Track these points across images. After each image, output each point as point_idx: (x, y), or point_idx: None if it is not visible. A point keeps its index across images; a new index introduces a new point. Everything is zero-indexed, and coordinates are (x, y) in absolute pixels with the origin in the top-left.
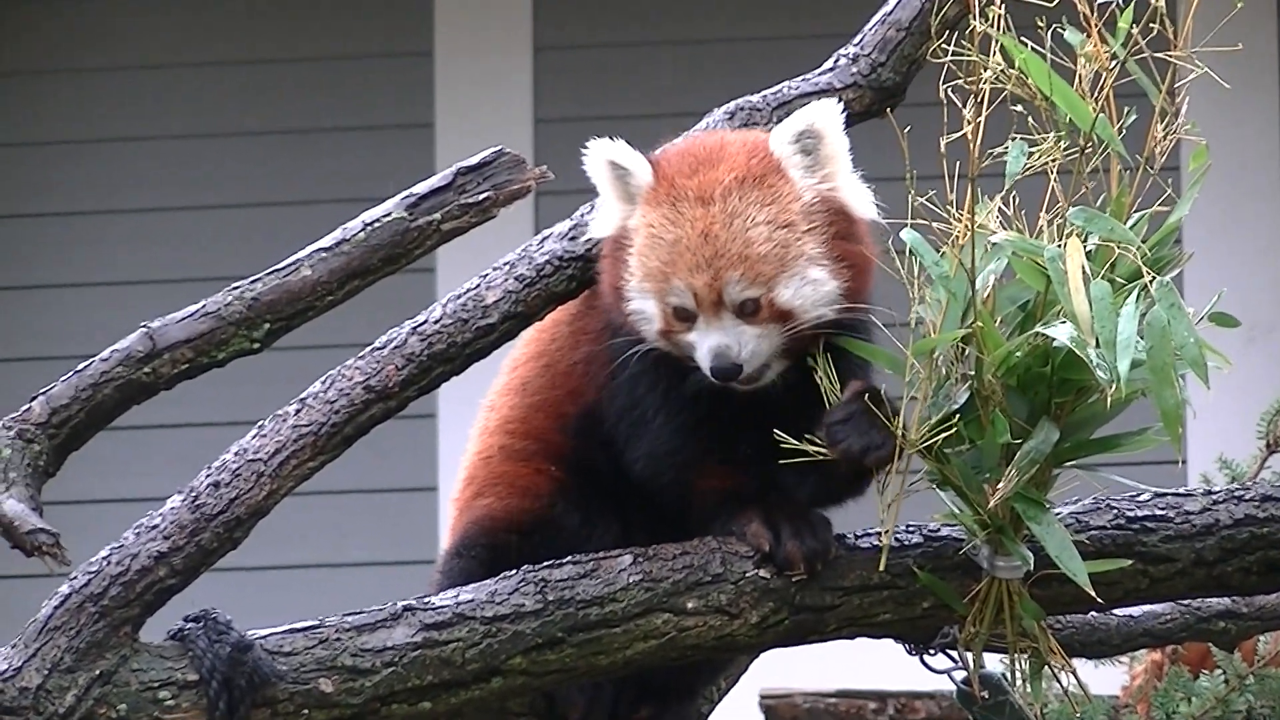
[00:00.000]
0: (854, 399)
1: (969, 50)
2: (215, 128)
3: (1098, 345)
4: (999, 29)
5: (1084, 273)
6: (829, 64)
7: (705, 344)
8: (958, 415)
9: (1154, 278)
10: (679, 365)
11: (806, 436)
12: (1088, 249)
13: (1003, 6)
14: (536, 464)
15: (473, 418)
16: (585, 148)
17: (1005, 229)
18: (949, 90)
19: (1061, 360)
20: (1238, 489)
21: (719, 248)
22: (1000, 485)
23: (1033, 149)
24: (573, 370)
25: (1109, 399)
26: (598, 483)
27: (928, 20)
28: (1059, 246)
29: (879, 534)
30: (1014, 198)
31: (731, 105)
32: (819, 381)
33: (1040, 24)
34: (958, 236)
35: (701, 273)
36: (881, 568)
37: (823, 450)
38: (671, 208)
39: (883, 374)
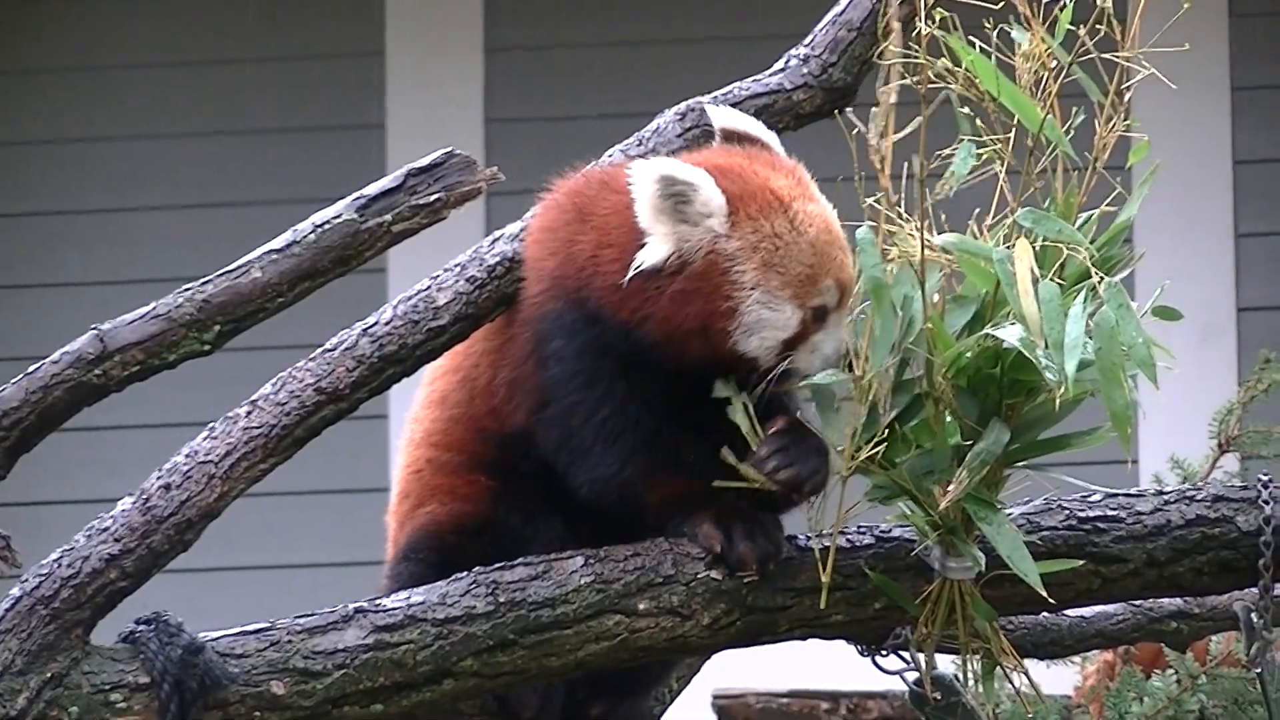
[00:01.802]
0: (782, 432)
1: (916, 52)
2: (165, 129)
3: (1046, 347)
4: (947, 30)
5: (1033, 274)
6: (780, 64)
7: (833, 340)
8: (899, 423)
9: (1102, 278)
10: (637, 379)
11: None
12: (1036, 249)
13: (950, 8)
14: (466, 475)
15: None
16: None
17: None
18: (897, 90)
19: (1012, 361)
20: (1189, 489)
21: (842, 239)
22: (951, 487)
23: (980, 149)
24: (492, 390)
25: (1057, 400)
26: (533, 485)
27: (878, 21)
28: (1007, 248)
29: (830, 535)
30: (951, 199)
31: (682, 106)
32: (739, 417)
33: (987, 24)
34: (903, 239)
35: (846, 266)
36: (825, 578)
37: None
38: (784, 213)
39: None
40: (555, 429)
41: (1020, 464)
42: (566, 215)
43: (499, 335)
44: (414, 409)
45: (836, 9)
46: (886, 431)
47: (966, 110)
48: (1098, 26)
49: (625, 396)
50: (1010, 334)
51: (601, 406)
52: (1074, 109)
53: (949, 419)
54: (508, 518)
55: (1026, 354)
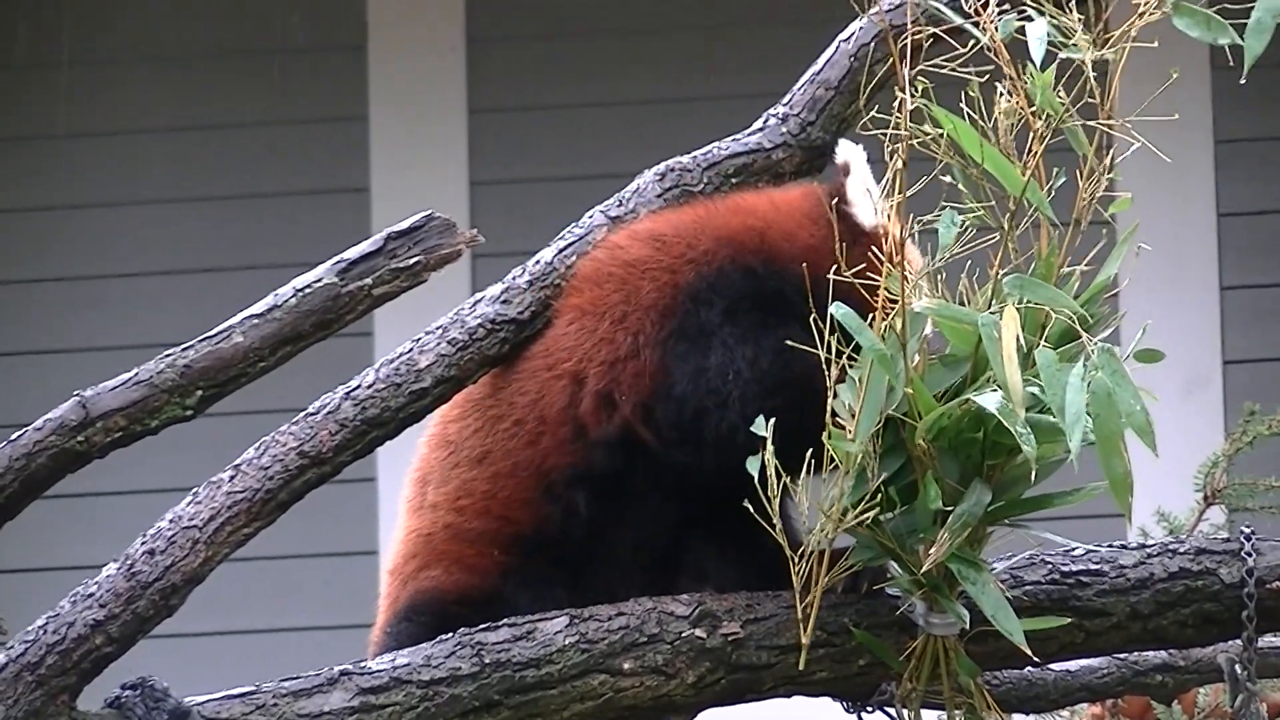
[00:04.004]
0: None
1: (897, 118)
2: (146, 194)
3: (1026, 416)
4: (928, 97)
5: (1018, 342)
6: (759, 124)
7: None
8: (886, 485)
9: (1096, 345)
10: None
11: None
12: (1021, 312)
13: (925, 73)
14: (479, 546)
15: None
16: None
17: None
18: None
19: (996, 425)
20: (1172, 542)
21: None
22: (933, 550)
23: (961, 213)
24: (567, 415)
25: (1033, 469)
26: (549, 557)
27: (856, 79)
28: (991, 313)
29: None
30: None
31: (662, 166)
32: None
33: (968, 83)
34: (882, 304)
35: None
36: (801, 667)
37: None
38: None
39: None
40: (684, 400)
41: (1002, 522)
42: (735, 203)
43: (569, 359)
44: (428, 470)
45: (814, 68)
46: (875, 494)
47: (949, 179)
48: (1081, 89)
49: (778, 344)
50: (990, 401)
51: (761, 349)
52: (1055, 169)
53: (930, 483)
54: (516, 595)
55: (1006, 423)
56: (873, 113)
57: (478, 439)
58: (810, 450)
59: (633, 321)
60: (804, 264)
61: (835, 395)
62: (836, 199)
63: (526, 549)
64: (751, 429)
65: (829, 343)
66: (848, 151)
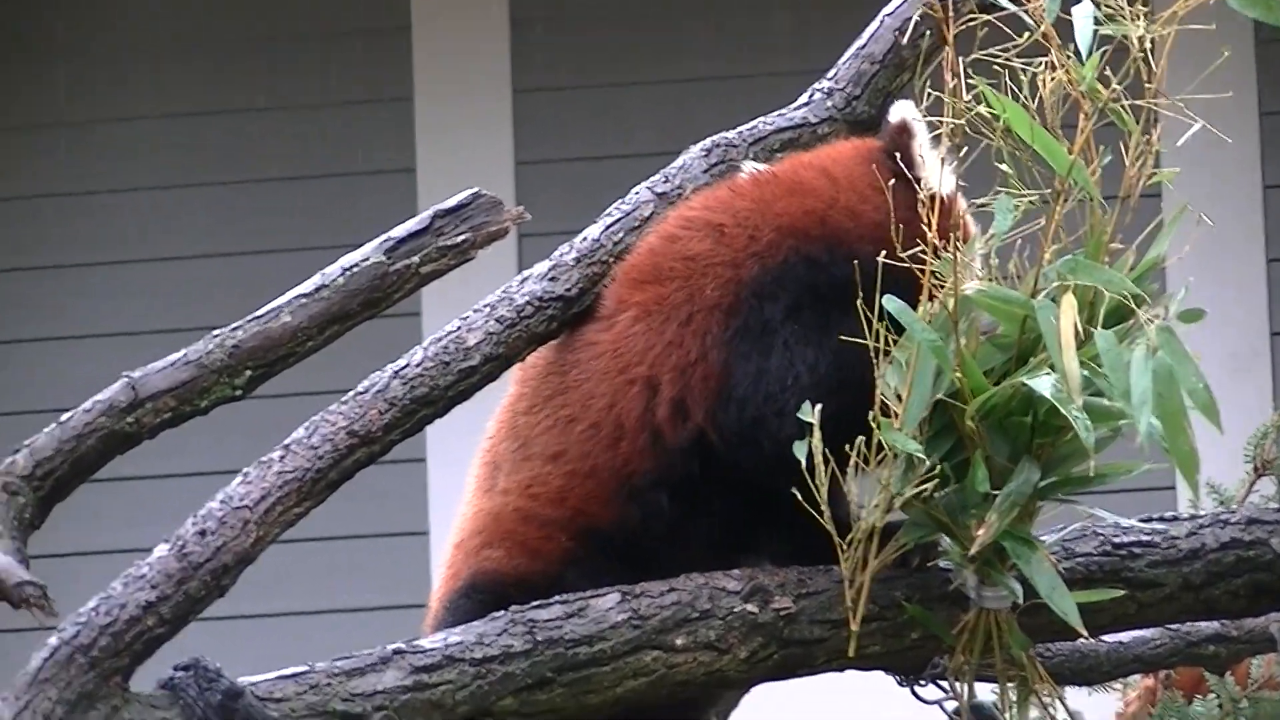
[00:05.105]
0: None
1: (949, 100)
2: (196, 177)
3: (1082, 403)
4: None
5: (1075, 330)
6: (804, 99)
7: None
8: (939, 463)
9: (1154, 323)
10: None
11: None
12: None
13: (978, 42)
14: (547, 529)
15: (462, 461)
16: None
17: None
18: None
19: (1047, 407)
20: (1223, 513)
21: None
22: (981, 531)
23: (1018, 202)
24: (644, 422)
25: (1091, 457)
26: (618, 552)
27: (900, 53)
28: (1046, 298)
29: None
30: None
31: (707, 142)
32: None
33: (1005, 60)
34: (932, 288)
35: None
36: (851, 654)
37: None
38: None
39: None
40: (744, 404)
41: (1053, 499)
42: (791, 180)
43: (640, 363)
44: (500, 458)
45: (858, 43)
46: (928, 473)
47: (1001, 165)
48: (1130, 67)
49: (838, 345)
50: (1043, 385)
51: (822, 352)
52: (1102, 147)
53: (979, 464)
54: (576, 583)
55: (1061, 409)
56: (922, 90)
57: (551, 437)
58: (861, 440)
59: (699, 322)
60: (871, 244)
61: (882, 377)
62: (903, 163)
63: (597, 541)
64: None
65: (879, 334)
66: (905, 110)
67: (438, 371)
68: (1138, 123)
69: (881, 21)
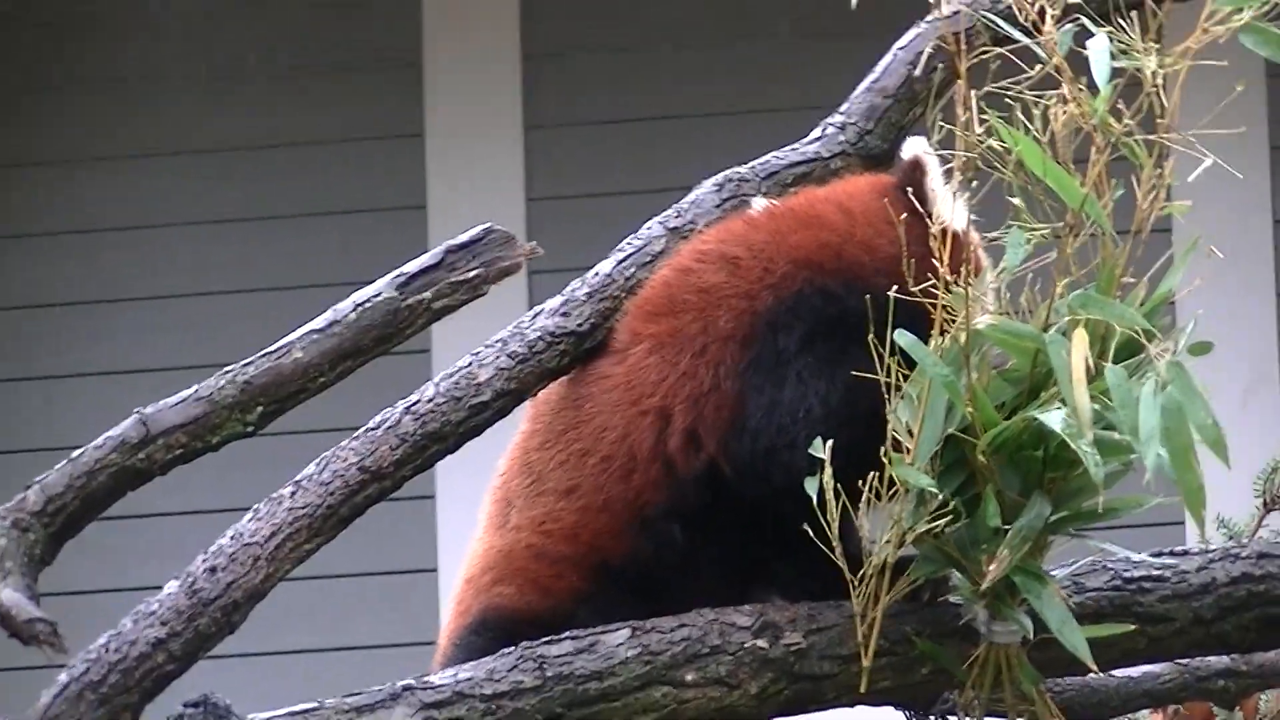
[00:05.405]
0: None
1: (961, 134)
2: (207, 214)
3: (1093, 438)
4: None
5: (1087, 364)
6: (816, 133)
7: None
8: (950, 499)
9: (1164, 358)
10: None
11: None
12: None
13: (989, 77)
14: (560, 569)
15: (471, 498)
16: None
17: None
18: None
19: (1058, 442)
20: (1233, 547)
21: None
22: (992, 566)
23: (1029, 236)
24: (657, 452)
25: (1100, 493)
26: (629, 585)
27: (913, 87)
28: (1057, 332)
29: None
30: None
31: (720, 177)
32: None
33: (1018, 94)
34: (944, 322)
35: None
36: (863, 689)
37: None
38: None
39: None
40: (756, 436)
41: (1064, 533)
42: (806, 214)
43: (653, 394)
44: (512, 494)
45: (871, 76)
46: (940, 509)
47: (1013, 198)
48: (1141, 103)
49: (851, 379)
50: (1054, 420)
51: (834, 385)
52: (1114, 181)
53: (990, 498)
54: (588, 620)
55: (1071, 444)
56: (934, 124)
57: (564, 471)
58: (873, 474)
59: (713, 353)
60: (886, 277)
61: (894, 411)
62: (916, 198)
63: (607, 576)
64: (810, 452)
65: (890, 368)
66: (917, 147)
67: (449, 407)
68: (1150, 156)
69: (894, 55)
